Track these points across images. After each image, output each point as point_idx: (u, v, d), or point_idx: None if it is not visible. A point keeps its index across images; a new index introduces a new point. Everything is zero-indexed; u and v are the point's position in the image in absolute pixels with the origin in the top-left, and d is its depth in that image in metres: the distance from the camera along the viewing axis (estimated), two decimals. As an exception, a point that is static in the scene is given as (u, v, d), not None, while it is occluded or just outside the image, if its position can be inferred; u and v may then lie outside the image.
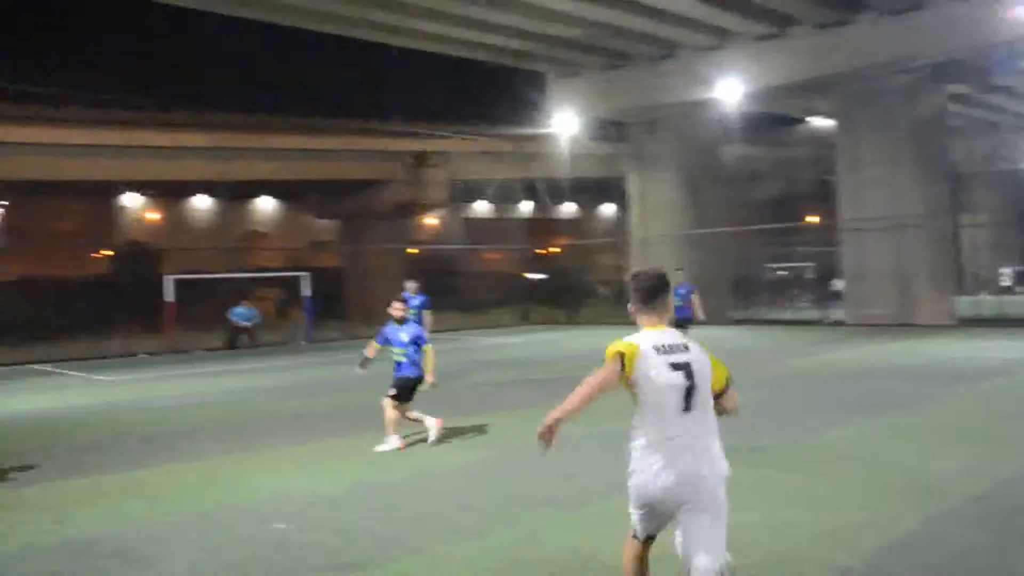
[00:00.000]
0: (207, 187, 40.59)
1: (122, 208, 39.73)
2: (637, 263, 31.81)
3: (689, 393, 3.86)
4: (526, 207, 39.72)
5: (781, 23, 26.31)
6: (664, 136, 30.48)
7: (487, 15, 25.42)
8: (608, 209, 46.98)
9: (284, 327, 31.28)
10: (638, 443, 3.96)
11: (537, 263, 39.43)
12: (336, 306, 35.04)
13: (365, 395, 13.34)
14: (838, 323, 26.78)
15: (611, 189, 35.84)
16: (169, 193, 50.34)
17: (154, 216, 53.72)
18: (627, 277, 4.47)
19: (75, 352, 23.50)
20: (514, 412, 10.89)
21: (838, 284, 31.10)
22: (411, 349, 8.83)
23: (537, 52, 29.52)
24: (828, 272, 31.94)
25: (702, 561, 3.66)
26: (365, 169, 39.04)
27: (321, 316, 29.22)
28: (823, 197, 32.24)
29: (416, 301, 13.60)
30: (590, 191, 39.67)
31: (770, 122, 38.12)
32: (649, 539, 4.04)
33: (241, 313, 24.25)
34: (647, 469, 3.84)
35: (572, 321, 33.59)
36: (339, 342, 27.69)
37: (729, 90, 27.24)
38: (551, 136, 33.17)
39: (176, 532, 5.88)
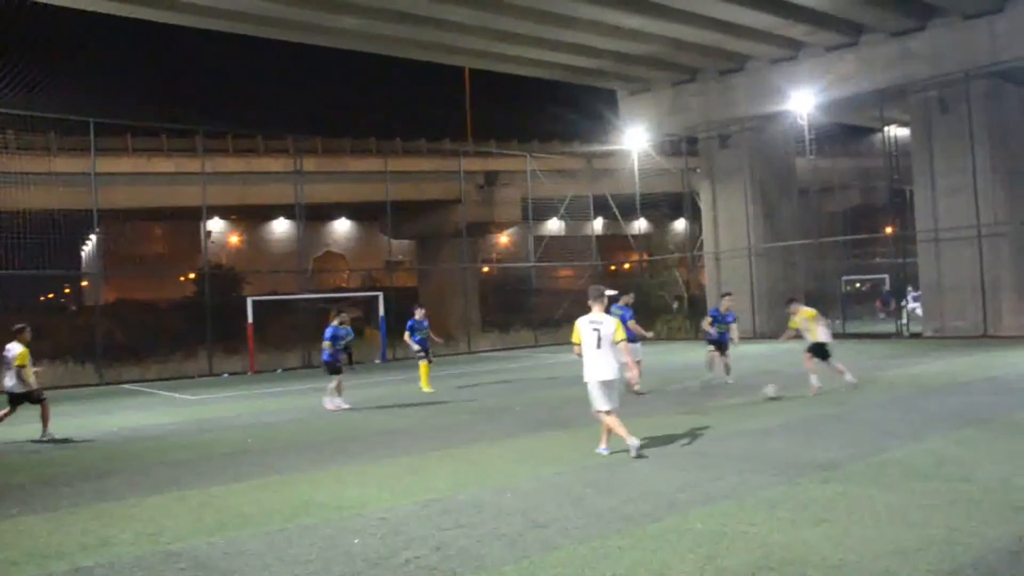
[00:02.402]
0: (285, 210, 41.72)
1: (207, 232, 41.00)
2: (710, 277, 31.50)
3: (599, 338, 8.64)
4: (598, 224, 39.71)
5: (853, 32, 25.85)
6: (735, 149, 30.18)
7: (557, 34, 25.68)
8: (680, 224, 46.66)
9: (361, 347, 31.86)
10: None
11: (609, 279, 39.31)
12: (411, 325, 35.43)
13: (440, 413, 13.60)
14: (915, 336, 26.00)
15: (683, 204, 35.61)
16: (249, 217, 52.01)
17: (235, 240, 55.52)
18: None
19: (164, 372, 24.42)
20: (586, 429, 10.89)
21: (913, 297, 30.27)
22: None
23: (607, 69, 29.62)
24: (905, 284, 31.05)
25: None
26: (437, 189, 39.60)
27: (396, 335, 29.64)
28: (899, 208, 31.41)
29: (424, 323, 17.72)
30: (662, 206, 39.40)
31: (843, 133, 37.35)
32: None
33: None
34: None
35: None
36: (413, 360, 28.08)
37: (801, 102, 26.86)
38: (622, 152, 33.16)
39: (255, 546, 6.04)
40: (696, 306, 34.05)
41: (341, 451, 10.16)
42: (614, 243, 43.38)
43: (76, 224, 31.70)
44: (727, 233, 30.83)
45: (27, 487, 8.69)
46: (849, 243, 36.07)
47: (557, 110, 50.45)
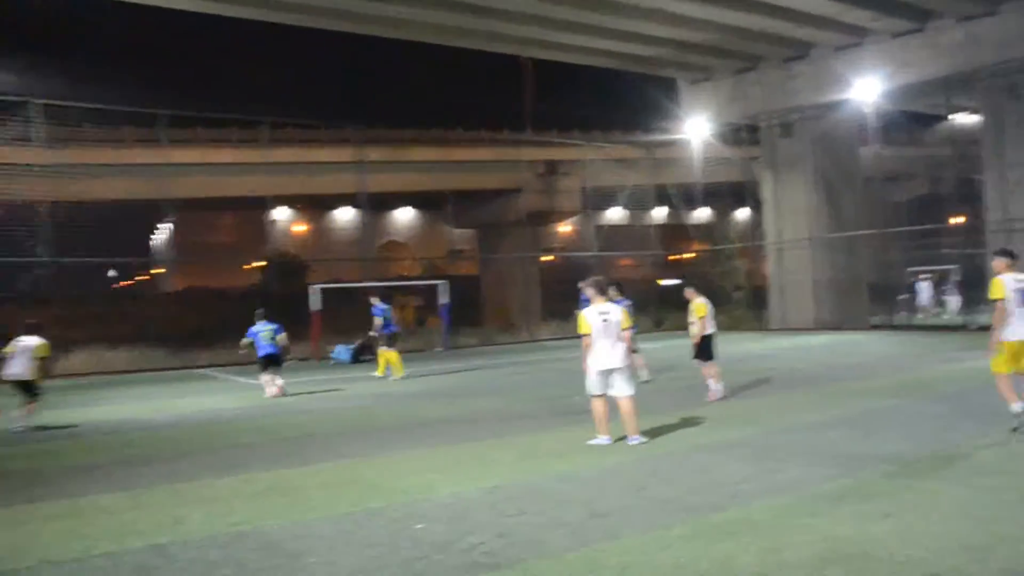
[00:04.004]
0: (349, 199, 42.29)
1: (272, 221, 41.92)
2: (773, 267, 31.11)
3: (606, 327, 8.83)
4: (659, 213, 39.44)
5: (921, 18, 25.16)
6: (798, 138, 29.68)
7: (616, 23, 25.52)
8: (742, 214, 46.10)
9: (423, 334, 32.19)
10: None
11: (670, 269, 39.02)
12: (472, 313, 35.77)
13: (503, 401, 13.71)
14: (984, 329, 25.30)
15: (745, 193, 35.15)
16: (314, 206, 52.81)
17: (300, 228, 56.47)
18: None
19: (232, 357, 25.02)
20: (646, 418, 10.88)
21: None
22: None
23: (667, 58, 29.36)
24: (974, 276, 30.20)
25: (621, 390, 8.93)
26: (499, 179, 39.71)
27: (458, 323, 29.92)
28: (967, 197, 30.50)
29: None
30: (723, 196, 38.96)
31: (910, 121, 36.39)
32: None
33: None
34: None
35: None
36: (475, 348, 28.29)
37: (866, 89, 26.27)
38: (683, 142, 32.85)
39: (320, 529, 6.18)
40: (759, 296, 33.63)
41: (405, 437, 10.33)
42: (675, 233, 43.03)
43: (149, 213, 32.68)
44: (789, 223, 30.38)
45: (106, 467, 9.04)
46: (915, 233, 35.15)
47: (618, 99, 50.09)
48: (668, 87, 33.00)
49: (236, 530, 6.22)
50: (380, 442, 10.03)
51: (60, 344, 24.17)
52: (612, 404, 9.06)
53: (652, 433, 9.66)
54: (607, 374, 8.94)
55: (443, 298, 28.60)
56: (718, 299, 34.85)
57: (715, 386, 12.38)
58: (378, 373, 18.65)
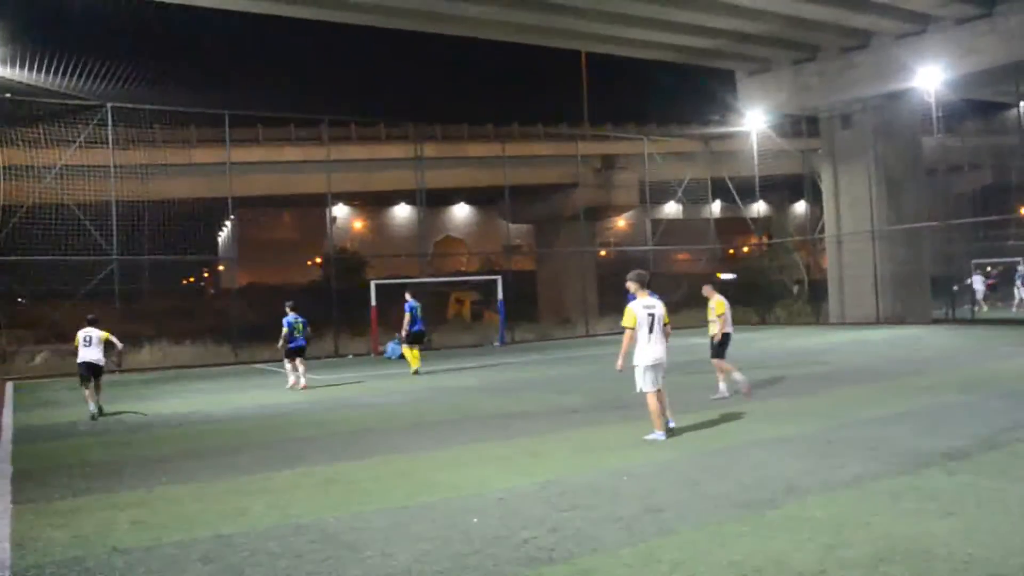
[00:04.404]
0: (407, 195, 42.72)
1: (332, 218, 42.52)
2: (832, 261, 30.60)
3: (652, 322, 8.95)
4: (716, 207, 39.04)
5: (987, 3, 24.41)
6: (858, 129, 29.10)
7: (673, 15, 25.32)
8: (800, 207, 45.39)
9: (479, 329, 32.38)
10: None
11: (728, 263, 38.59)
12: (529, 308, 35.84)
13: (557, 395, 13.74)
14: None
15: (803, 186, 34.61)
16: (372, 203, 53.45)
17: (359, 225, 57.20)
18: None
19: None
20: (703, 413, 10.83)
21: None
22: None
23: (725, 50, 29.01)
24: None
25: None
26: (555, 173, 39.69)
27: (514, 318, 30.02)
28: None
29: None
30: (782, 188, 38.38)
31: (974, 109, 35.27)
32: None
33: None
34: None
35: (764, 321, 32.70)
36: (532, 343, 28.36)
37: (929, 78, 25.60)
38: (741, 134, 32.46)
39: (376, 522, 6.28)
40: (817, 290, 33.10)
41: (460, 431, 10.43)
42: (733, 226, 42.54)
43: (213, 212, 33.45)
44: (849, 215, 29.84)
45: (172, 459, 9.31)
46: (979, 225, 34.20)
47: (674, 92, 49.69)
48: (726, 79, 32.62)
49: (295, 522, 6.37)
50: (434, 436, 10.14)
51: (129, 340, 24.98)
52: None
53: (706, 428, 9.63)
54: (657, 368, 8.99)
55: (499, 293, 28.72)
56: (776, 293, 34.61)
57: (722, 386, 12.26)
58: (414, 369, 18.72)
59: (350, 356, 25.25)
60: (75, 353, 13.90)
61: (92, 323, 14.24)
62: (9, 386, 19.94)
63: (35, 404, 15.94)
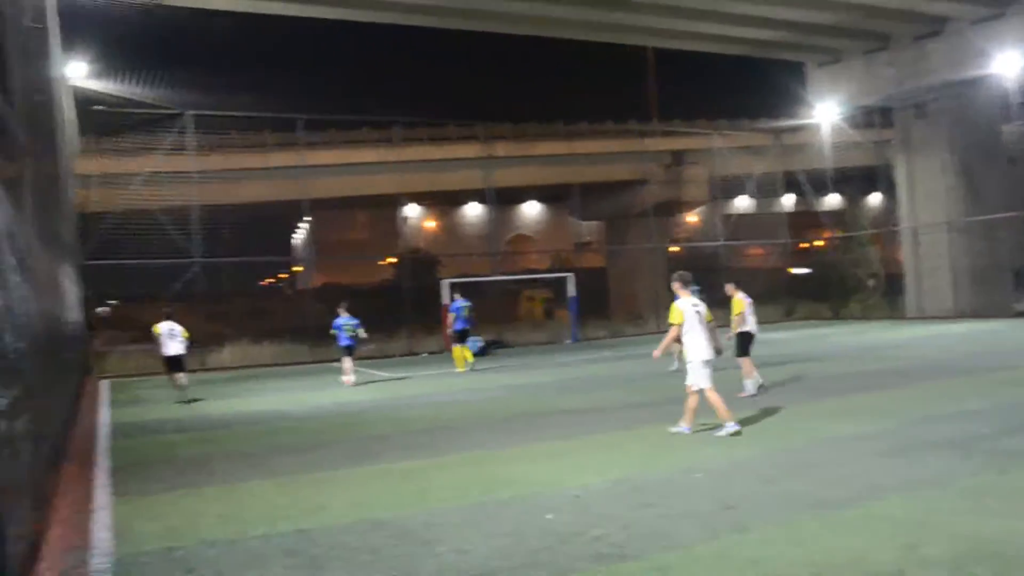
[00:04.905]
0: (477, 195, 43.04)
1: (404, 218, 43.21)
2: (907, 254, 29.85)
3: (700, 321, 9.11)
4: (787, 201, 38.34)
5: (1074, -19, 23.40)
6: (934, 118, 28.27)
7: (741, 8, 25.01)
8: (874, 199, 44.26)
9: (551, 327, 32.42)
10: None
11: (800, 257, 37.89)
12: (600, 305, 35.74)
13: (630, 392, 13.71)
14: None
15: (877, 178, 33.75)
16: (443, 202, 53.94)
17: (431, 224, 57.80)
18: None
19: (368, 351, 25.95)
20: (777, 410, 10.69)
21: None
22: None
23: (795, 42, 28.52)
24: None
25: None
26: (624, 170, 39.47)
27: (586, 315, 29.98)
28: None
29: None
30: (855, 181, 37.48)
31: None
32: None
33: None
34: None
35: (838, 316, 32.01)
36: (603, 340, 28.30)
37: (1008, 63, 24.68)
38: (812, 126, 31.84)
39: (451, 518, 6.39)
40: (893, 284, 32.28)
41: (533, 428, 10.50)
42: (805, 220, 41.73)
43: (288, 214, 34.27)
44: (925, 207, 29.05)
45: (255, 455, 9.62)
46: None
47: (744, 86, 48.93)
48: (795, 71, 32.06)
49: (373, 517, 6.53)
50: (508, 433, 10.24)
51: (211, 339, 25.80)
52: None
53: (781, 425, 9.52)
54: (709, 364, 9.27)
55: (570, 290, 28.71)
56: (850, 288, 33.84)
57: (748, 383, 12.23)
58: (459, 368, 19.24)
59: (424, 354, 25.58)
60: (158, 344, 15.50)
61: (168, 317, 15.75)
62: (104, 384, 20.81)
63: (128, 402, 16.62)
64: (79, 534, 6.39)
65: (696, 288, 9.85)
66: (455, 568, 5.21)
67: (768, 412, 10.64)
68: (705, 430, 9.41)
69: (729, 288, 12.80)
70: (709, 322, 9.39)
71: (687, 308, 9.26)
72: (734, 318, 12.47)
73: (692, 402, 9.33)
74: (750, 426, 9.72)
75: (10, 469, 4.84)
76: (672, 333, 9.35)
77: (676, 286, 9.51)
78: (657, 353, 9.60)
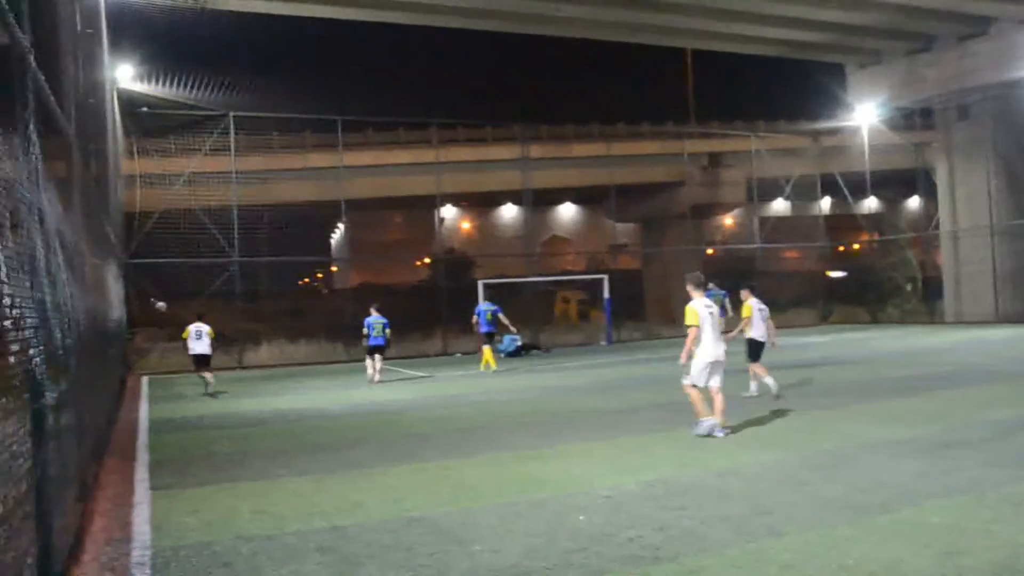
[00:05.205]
0: (514, 196, 43.09)
1: (440, 219, 43.50)
2: (947, 258, 29.43)
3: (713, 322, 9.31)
4: (825, 203, 37.92)
5: None
6: (977, 120, 27.84)
7: (779, 9, 24.84)
8: (914, 202, 43.61)
9: (587, 328, 32.38)
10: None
11: (838, 260, 37.46)
12: (635, 307, 35.63)
13: (664, 394, 13.65)
14: None
15: (916, 180, 33.27)
16: (479, 204, 54.08)
17: (467, 226, 57.98)
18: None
19: (403, 351, 26.14)
20: (812, 414, 10.60)
21: None
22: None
23: (834, 43, 28.24)
24: None
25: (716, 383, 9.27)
26: (661, 172, 39.27)
27: (621, 317, 29.91)
28: None
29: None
30: (894, 184, 36.98)
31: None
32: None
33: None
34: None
35: (875, 320, 31.62)
36: (638, 342, 28.21)
37: (1054, 64, 24.23)
38: (851, 129, 31.49)
39: (485, 518, 6.43)
40: (932, 288, 31.81)
41: (567, 429, 10.52)
42: (842, 223, 41.25)
43: (326, 214, 34.62)
44: (966, 210, 28.60)
45: (291, 453, 9.75)
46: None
47: (782, 88, 48.49)
48: (835, 73, 31.71)
49: (408, 516, 6.59)
50: (543, 434, 10.26)
51: (248, 338, 26.14)
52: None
53: (816, 429, 9.45)
54: (716, 366, 9.36)
55: (606, 292, 28.67)
56: (888, 292, 33.39)
57: (753, 385, 12.61)
58: (481, 368, 19.66)
59: (458, 355, 25.68)
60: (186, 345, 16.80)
61: (199, 318, 16.96)
62: (144, 380, 21.18)
63: (166, 398, 16.91)
64: (120, 527, 6.54)
65: (720, 291, 10.10)
66: (489, 567, 5.24)
67: (801, 415, 10.56)
68: (734, 433, 9.36)
69: (743, 293, 13.14)
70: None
71: (701, 309, 9.40)
72: (742, 321, 12.89)
73: (720, 400, 9.43)
74: (784, 430, 9.65)
75: (56, 462, 4.97)
76: (691, 335, 9.41)
77: (689, 288, 9.67)
78: (684, 358, 9.61)
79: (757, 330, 12.71)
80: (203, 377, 16.79)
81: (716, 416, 9.37)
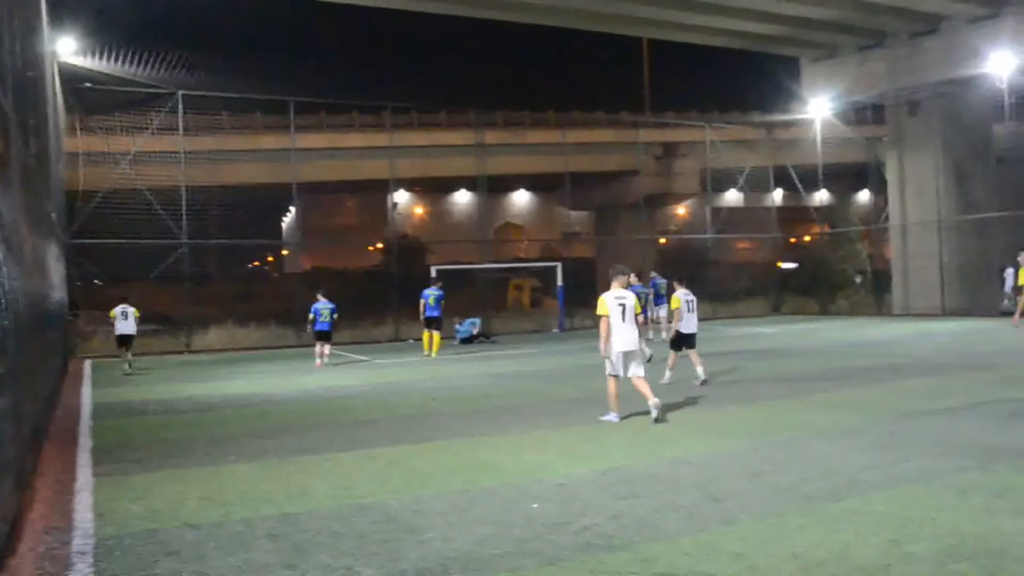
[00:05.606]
0: (468, 182, 42.94)
1: (393, 204, 43.15)
2: (896, 251, 30.05)
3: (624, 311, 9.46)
4: (777, 195, 38.44)
5: (1070, -18, 23.53)
6: (926, 116, 28.42)
7: (737, 1, 24.99)
8: (864, 196, 44.50)
9: (539, 316, 32.43)
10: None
11: (790, 252, 38.05)
12: (588, 295, 35.74)
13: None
14: None
15: (868, 175, 33.92)
16: (433, 189, 53.81)
17: (420, 211, 57.65)
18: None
19: (354, 336, 25.92)
20: (763, 404, 10.72)
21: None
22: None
23: (790, 36, 28.60)
24: None
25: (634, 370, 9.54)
26: (615, 161, 39.45)
27: (574, 305, 29.98)
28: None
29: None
30: (846, 177, 37.65)
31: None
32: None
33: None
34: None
35: (825, 311, 32.19)
36: (591, 329, 28.30)
37: (1002, 63, 24.82)
38: (804, 121, 31.96)
39: (437, 505, 6.37)
40: (880, 281, 32.50)
41: (519, 417, 10.49)
42: (794, 215, 41.91)
43: (277, 197, 34.13)
44: (915, 204, 29.23)
45: (239, 438, 9.57)
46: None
47: (737, 80, 49.02)
48: (790, 66, 32.11)
49: (358, 503, 6.50)
50: (495, 421, 10.22)
51: (196, 321, 25.67)
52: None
53: (768, 419, 9.54)
54: (629, 355, 9.58)
55: (559, 280, 28.72)
56: (838, 283, 34.00)
57: (699, 369, 12.81)
58: (424, 353, 19.99)
59: (410, 340, 25.53)
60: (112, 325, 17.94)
61: (124, 300, 18.09)
62: (87, 364, 20.67)
63: (110, 382, 16.51)
64: (61, 515, 6.34)
65: (644, 288, 10.26)
66: (441, 555, 5.18)
67: (754, 405, 10.67)
68: (690, 421, 9.41)
69: (673, 285, 13.52)
70: (637, 314, 9.74)
71: (610, 300, 9.59)
72: (673, 312, 13.13)
73: (640, 385, 9.65)
74: (736, 419, 9.74)
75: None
76: (602, 325, 9.58)
77: (612, 280, 9.85)
78: (602, 349, 9.70)
79: (687, 323, 12.91)
80: (124, 355, 17.87)
81: (649, 399, 9.55)
